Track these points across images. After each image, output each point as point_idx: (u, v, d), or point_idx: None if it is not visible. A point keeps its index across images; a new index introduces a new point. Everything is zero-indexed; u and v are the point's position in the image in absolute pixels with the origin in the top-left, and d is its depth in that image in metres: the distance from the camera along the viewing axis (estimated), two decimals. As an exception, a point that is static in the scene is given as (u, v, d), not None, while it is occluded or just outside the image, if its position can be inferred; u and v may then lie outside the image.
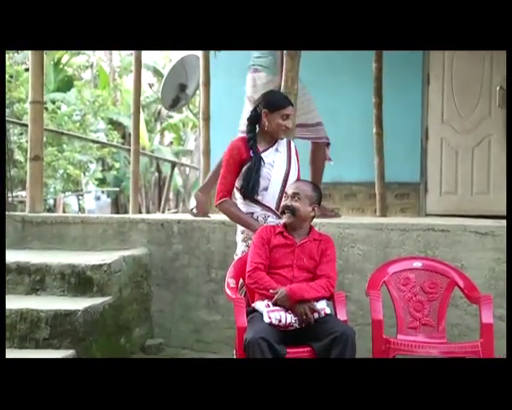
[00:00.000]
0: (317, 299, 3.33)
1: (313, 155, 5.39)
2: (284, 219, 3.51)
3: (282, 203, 3.55)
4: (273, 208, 3.67)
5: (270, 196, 3.67)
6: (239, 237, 3.79)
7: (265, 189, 3.66)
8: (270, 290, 3.31)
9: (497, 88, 6.56)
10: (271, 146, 3.74)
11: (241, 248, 3.76)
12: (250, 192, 3.64)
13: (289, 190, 3.57)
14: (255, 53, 5.39)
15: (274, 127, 3.70)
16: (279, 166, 3.71)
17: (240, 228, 3.78)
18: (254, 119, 3.75)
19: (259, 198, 3.67)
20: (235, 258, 3.76)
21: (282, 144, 3.79)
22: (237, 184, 3.71)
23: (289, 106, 3.75)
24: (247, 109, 4.96)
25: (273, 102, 3.72)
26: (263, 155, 3.69)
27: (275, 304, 3.29)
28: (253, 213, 3.69)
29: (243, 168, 3.66)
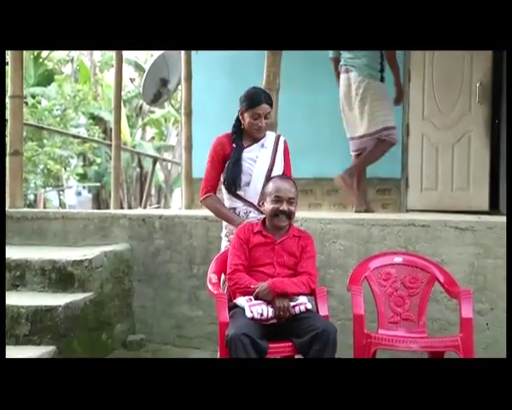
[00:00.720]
0: (298, 294, 3.35)
1: (371, 150, 5.52)
2: (278, 223, 3.48)
3: (279, 207, 3.46)
4: (255, 204, 3.67)
5: (252, 192, 3.67)
6: (223, 233, 3.81)
7: (247, 184, 3.66)
8: (252, 285, 3.31)
9: (477, 84, 6.60)
10: (257, 142, 3.73)
11: (224, 243, 3.78)
12: (230, 186, 3.65)
13: (282, 192, 3.48)
14: (347, 54, 5.50)
15: (247, 126, 3.68)
16: (262, 161, 3.70)
17: (224, 223, 3.79)
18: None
19: (241, 193, 3.67)
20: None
21: (268, 140, 3.76)
22: (222, 177, 3.73)
23: (261, 105, 3.64)
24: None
25: (246, 100, 3.67)
26: (246, 150, 3.68)
27: (256, 298, 3.29)
28: (235, 209, 3.69)
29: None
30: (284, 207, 3.48)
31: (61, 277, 4.33)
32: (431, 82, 6.96)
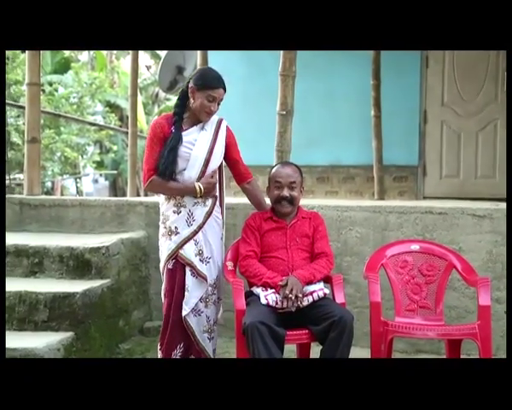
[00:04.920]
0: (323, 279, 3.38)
1: None
2: (282, 209, 3.52)
3: (280, 193, 3.50)
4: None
5: (187, 176, 3.48)
6: (160, 220, 3.63)
7: (184, 169, 3.48)
8: (279, 282, 3.28)
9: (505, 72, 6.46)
10: (196, 124, 3.52)
11: (161, 230, 3.60)
12: (163, 173, 3.42)
13: (282, 178, 3.52)
14: None
15: (197, 106, 3.45)
16: (201, 144, 3.49)
17: (161, 211, 3.61)
18: (185, 94, 3.51)
19: (178, 178, 3.48)
20: (159, 241, 3.63)
21: (209, 123, 3.55)
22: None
23: (219, 89, 3.44)
24: None
25: (203, 80, 3.44)
26: (184, 133, 3.48)
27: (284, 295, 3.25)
28: None
29: None
30: (285, 192, 3.50)
31: (78, 264, 4.36)
32: (452, 68, 6.88)
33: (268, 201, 3.69)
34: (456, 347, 3.53)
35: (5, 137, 5.56)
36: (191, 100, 3.48)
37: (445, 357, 3.71)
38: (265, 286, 3.33)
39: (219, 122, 3.60)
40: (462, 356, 3.58)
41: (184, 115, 3.52)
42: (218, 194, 3.64)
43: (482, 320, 3.33)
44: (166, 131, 3.47)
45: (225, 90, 3.50)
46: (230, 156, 3.64)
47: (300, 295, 3.23)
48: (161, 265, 3.58)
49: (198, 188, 3.45)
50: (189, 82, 3.50)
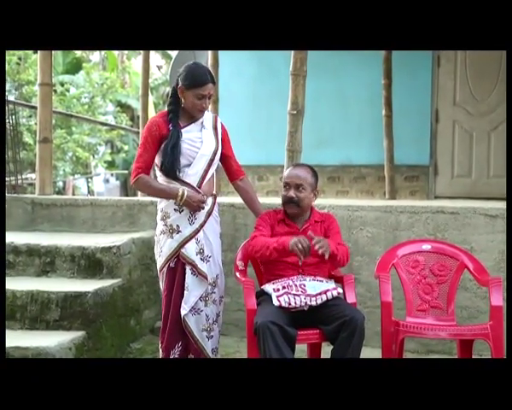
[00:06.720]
0: (338, 259, 3.32)
1: None
2: (288, 211, 3.50)
3: (286, 194, 3.47)
4: (194, 185, 3.46)
5: (191, 174, 3.46)
6: (158, 216, 3.59)
7: (187, 166, 3.45)
8: (290, 244, 3.22)
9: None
10: (194, 122, 3.51)
11: (160, 227, 3.56)
12: (169, 171, 3.40)
13: (290, 179, 3.49)
14: None
15: (189, 106, 3.44)
16: (208, 143, 3.49)
17: (159, 207, 3.58)
18: (176, 91, 3.49)
19: (181, 175, 3.45)
20: (155, 239, 3.59)
21: (207, 120, 3.55)
22: (157, 161, 3.48)
23: (207, 84, 3.39)
24: None
25: (189, 78, 3.40)
26: (184, 130, 3.45)
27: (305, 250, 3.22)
28: None
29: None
30: (291, 193, 3.46)
31: (90, 263, 4.37)
32: (464, 67, 6.86)
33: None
34: (467, 347, 3.51)
35: (5, 136, 5.57)
36: (181, 99, 3.46)
37: (456, 357, 3.70)
38: (277, 250, 3.29)
39: (215, 119, 3.61)
40: (473, 356, 3.56)
41: (179, 112, 3.50)
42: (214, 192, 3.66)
43: (494, 320, 3.32)
44: (163, 130, 3.43)
45: (214, 84, 3.48)
46: (223, 152, 3.62)
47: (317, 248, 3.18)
48: (160, 263, 3.54)
49: (181, 192, 3.38)
50: (177, 81, 3.47)
